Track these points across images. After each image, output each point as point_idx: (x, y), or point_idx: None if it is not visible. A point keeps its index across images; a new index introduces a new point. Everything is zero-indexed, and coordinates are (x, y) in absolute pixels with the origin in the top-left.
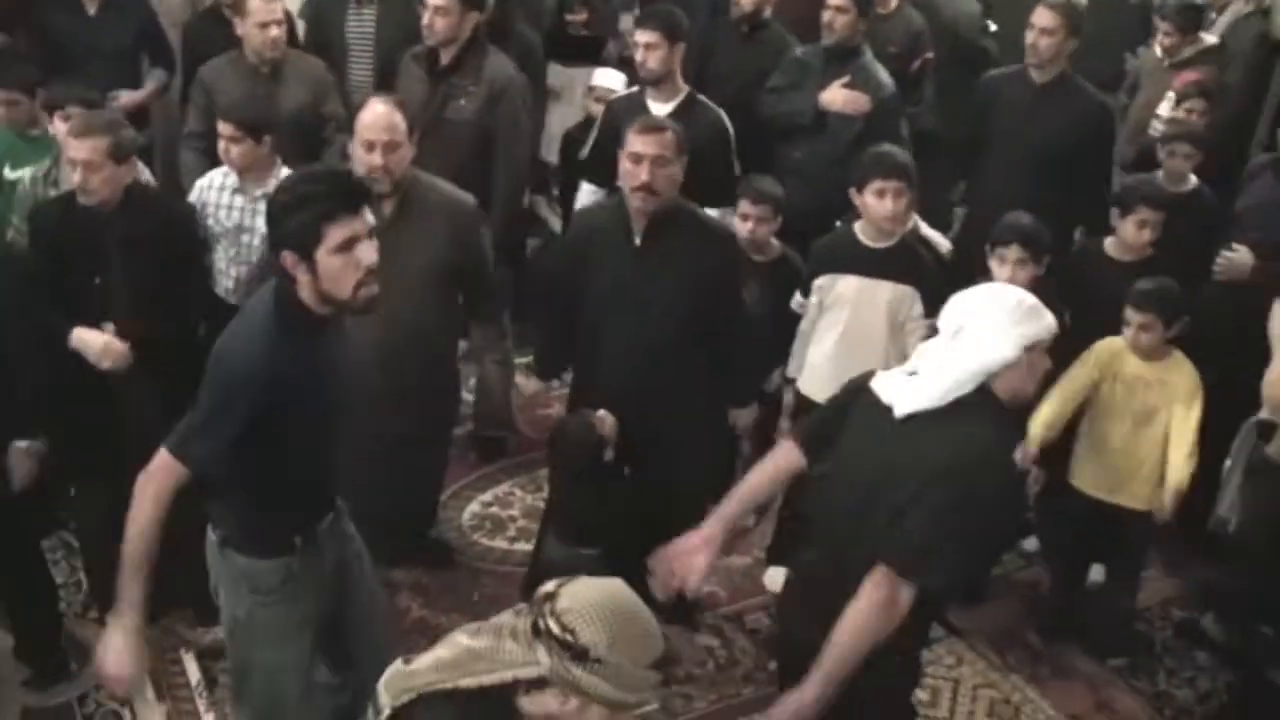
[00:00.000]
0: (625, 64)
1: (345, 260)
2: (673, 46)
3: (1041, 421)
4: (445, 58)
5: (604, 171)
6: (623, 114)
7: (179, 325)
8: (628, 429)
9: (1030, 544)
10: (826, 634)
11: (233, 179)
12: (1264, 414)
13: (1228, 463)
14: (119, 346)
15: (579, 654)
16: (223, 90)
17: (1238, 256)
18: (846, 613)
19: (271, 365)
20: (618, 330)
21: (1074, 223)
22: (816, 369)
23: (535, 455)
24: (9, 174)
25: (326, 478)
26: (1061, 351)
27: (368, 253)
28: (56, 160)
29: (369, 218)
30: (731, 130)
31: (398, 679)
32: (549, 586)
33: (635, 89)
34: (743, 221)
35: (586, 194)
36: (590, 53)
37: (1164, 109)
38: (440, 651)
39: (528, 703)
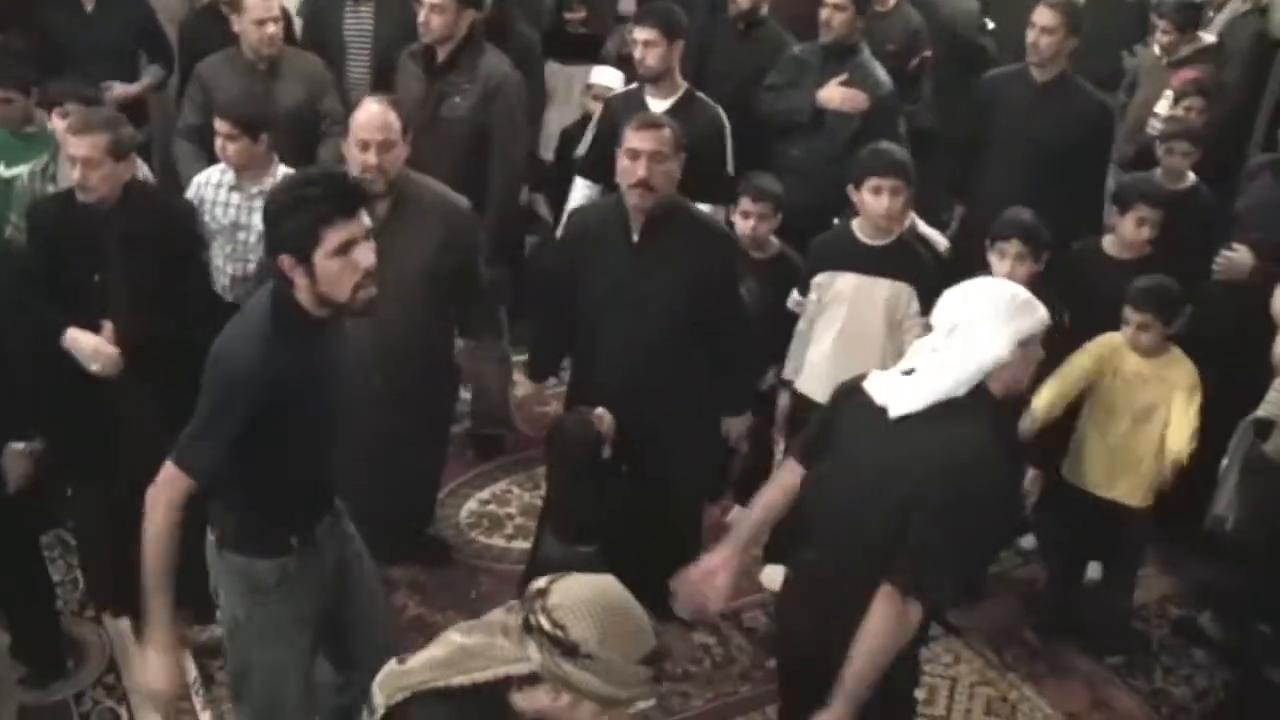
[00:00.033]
0: (624, 62)
1: (343, 263)
2: (671, 44)
3: (1042, 404)
4: (441, 55)
5: (601, 168)
6: (621, 111)
7: (178, 323)
8: (625, 426)
9: (1028, 542)
10: (826, 633)
11: (230, 176)
12: (1261, 412)
13: (1225, 461)
14: (109, 350)
15: (569, 650)
16: (220, 87)
17: (1237, 256)
18: (861, 632)
19: (268, 368)
20: (615, 328)
21: (1071, 221)
22: (815, 367)
23: (533, 453)
24: (4, 172)
25: (325, 478)
26: (1061, 351)
27: (365, 255)
28: (54, 155)
29: (366, 220)
30: (729, 127)
31: (392, 679)
32: (540, 583)
33: (634, 86)
34: (743, 219)
35: (580, 190)
36: (588, 51)
37: (1162, 107)
38: (433, 650)
39: (520, 699)
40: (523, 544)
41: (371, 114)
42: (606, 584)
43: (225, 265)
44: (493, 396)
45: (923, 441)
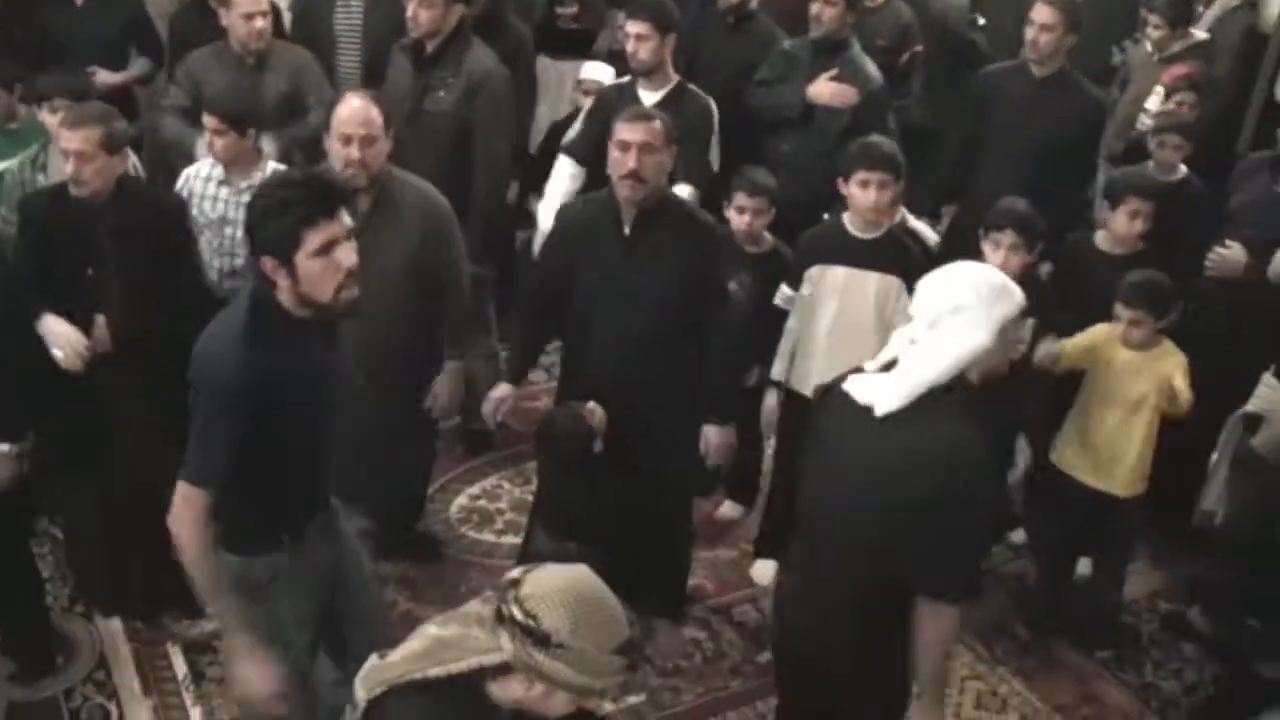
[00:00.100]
0: (615, 57)
1: (325, 264)
2: (664, 37)
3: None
4: (429, 49)
5: (590, 156)
6: (614, 102)
7: (170, 318)
8: (616, 420)
9: (1018, 537)
10: (823, 631)
11: (219, 170)
12: (1250, 407)
13: (1214, 456)
14: (78, 345)
15: (541, 639)
16: (208, 81)
17: (1230, 253)
18: (919, 646)
19: (248, 369)
20: (606, 321)
21: (1058, 215)
22: (807, 361)
23: (523, 448)
24: None
25: (316, 476)
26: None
27: (347, 255)
28: (45, 146)
29: (347, 220)
30: (717, 117)
31: (373, 673)
32: (514, 573)
33: (626, 78)
34: (738, 214)
35: (563, 168)
36: (580, 46)
37: (1152, 103)
38: (412, 643)
39: (495, 688)
40: (513, 539)
41: (354, 109)
42: (579, 574)
43: (213, 259)
44: (481, 392)
45: (911, 440)
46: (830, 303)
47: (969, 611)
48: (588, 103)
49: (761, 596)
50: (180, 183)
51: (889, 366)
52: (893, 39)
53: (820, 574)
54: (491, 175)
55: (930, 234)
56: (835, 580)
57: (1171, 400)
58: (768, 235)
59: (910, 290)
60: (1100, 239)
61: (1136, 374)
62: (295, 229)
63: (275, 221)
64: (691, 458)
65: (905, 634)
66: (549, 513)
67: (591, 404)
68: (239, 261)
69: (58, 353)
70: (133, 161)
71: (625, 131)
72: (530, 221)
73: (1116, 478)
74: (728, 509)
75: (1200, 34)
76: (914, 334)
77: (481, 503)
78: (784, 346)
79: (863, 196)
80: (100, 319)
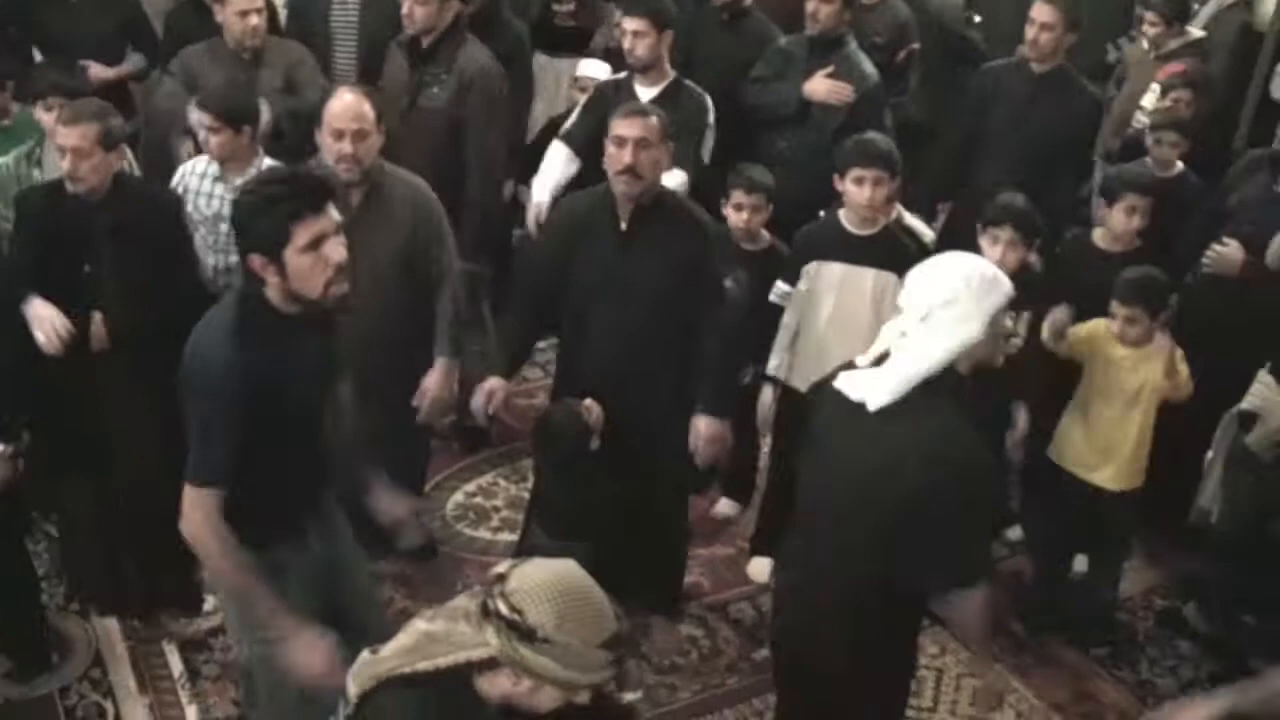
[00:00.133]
0: (612, 55)
1: (314, 259)
2: (660, 34)
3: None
4: (424, 45)
5: (585, 146)
6: (611, 97)
7: (166, 315)
8: (612, 415)
9: (1014, 534)
10: (822, 628)
11: (214, 167)
12: (1245, 404)
13: (1210, 454)
14: (60, 330)
15: (526, 634)
16: (202, 77)
17: (1228, 251)
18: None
19: (238, 365)
20: (603, 316)
21: (1054, 212)
22: (804, 357)
23: (519, 445)
24: None
25: (315, 474)
26: (1058, 362)
27: (336, 250)
28: (40, 142)
29: (335, 215)
30: (712, 112)
31: (364, 668)
32: (501, 568)
33: (623, 74)
34: (736, 211)
35: (557, 154)
36: (577, 44)
37: (1148, 100)
38: (401, 638)
39: (483, 683)
40: (509, 536)
41: (346, 103)
42: (566, 569)
43: (207, 256)
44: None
45: (904, 434)
46: (827, 299)
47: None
48: (584, 97)
49: (758, 594)
50: (176, 179)
51: (880, 360)
52: (890, 36)
53: (816, 571)
54: (485, 172)
55: (926, 231)
56: (831, 577)
57: (1175, 385)
58: (765, 233)
59: None
60: (1097, 236)
61: (1133, 369)
62: (283, 225)
63: (263, 218)
64: (687, 454)
65: (903, 631)
66: (545, 510)
67: (589, 401)
68: (234, 258)
69: (39, 335)
70: (129, 158)
71: (622, 127)
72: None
73: (1113, 471)
74: (724, 506)
75: (1196, 31)
76: (904, 326)
77: (477, 500)
78: (780, 342)
79: (858, 193)
80: (97, 316)
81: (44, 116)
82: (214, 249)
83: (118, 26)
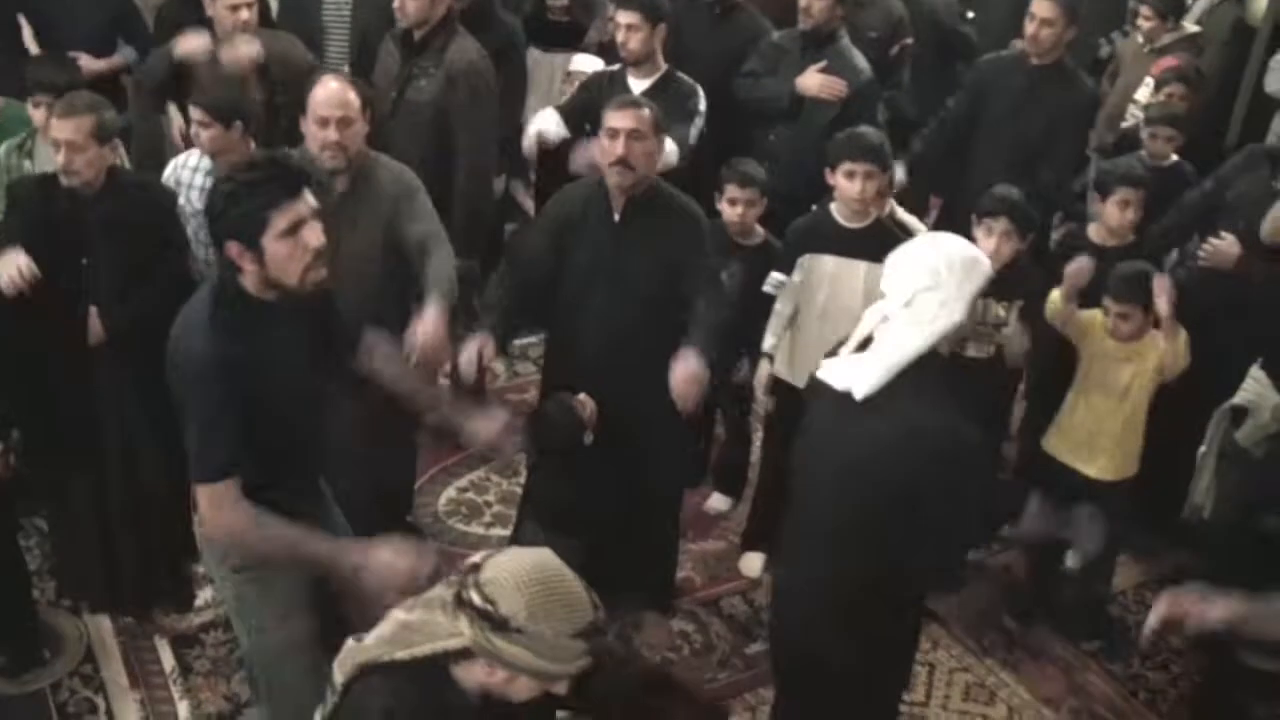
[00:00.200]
0: (605, 50)
1: (292, 244)
2: (654, 28)
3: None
4: (416, 38)
5: (570, 119)
6: (605, 87)
7: (161, 309)
8: (604, 409)
9: (1006, 528)
10: (818, 623)
11: (206, 161)
12: (1238, 399)
13: (1202, 449)
14: (24, 266)
15: (499, 624)
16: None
17: (1224, 245)
18: None
19: (219, 352)
20: (595, 307)
21: (1048, 204)
22: (797, 350)
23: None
24: None
25: (303, 460)
26: (1054, 354)
27: (314, 235)
28: (32, 133)
29: (311, 200)
30: (704, 104)
31: (348, 656)
32: (476, 558)
33: (616, 66)
34: (730, 206)
35: (548, 115)
36: (570, 39)
37: (1142, 95)
38: (382, 627)
39: (459, 672)
40: (501, 531)
41: (331, 91)
42: (541, 558)
43: (198, 249)
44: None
45: (892, 423)
46: (819, 292)
47: (955, 603)
48: (577, 83)
49: (750, 589)
50: (168, 172)
51: (864, 345)
52: (884, 31)
53: (811, 565)
54: (472, 167)
55: (919, 226)
56: (825, 570)
57: (1172, 364)
58: (759, 228)
59: None
60: (1093, 231)
61: (1127, 361)
62: (261, 210)
63: (240, 205)
64: (679, 448)
65: (900, 624)
66: (538, 505)
67: (583, 395)
68: None
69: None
70: (122, 155)
71: (614, 119)
72: (518, 213)
73: (1105, 461)
74: (716, 501)
75: (1191, 26)
76: (887, 310)
77: (470, 495)
78: (773, 324)
79: (849, 187)
80: (93, 310)
81: (34, 113)
82: (205, 242)
83: (109, 19)
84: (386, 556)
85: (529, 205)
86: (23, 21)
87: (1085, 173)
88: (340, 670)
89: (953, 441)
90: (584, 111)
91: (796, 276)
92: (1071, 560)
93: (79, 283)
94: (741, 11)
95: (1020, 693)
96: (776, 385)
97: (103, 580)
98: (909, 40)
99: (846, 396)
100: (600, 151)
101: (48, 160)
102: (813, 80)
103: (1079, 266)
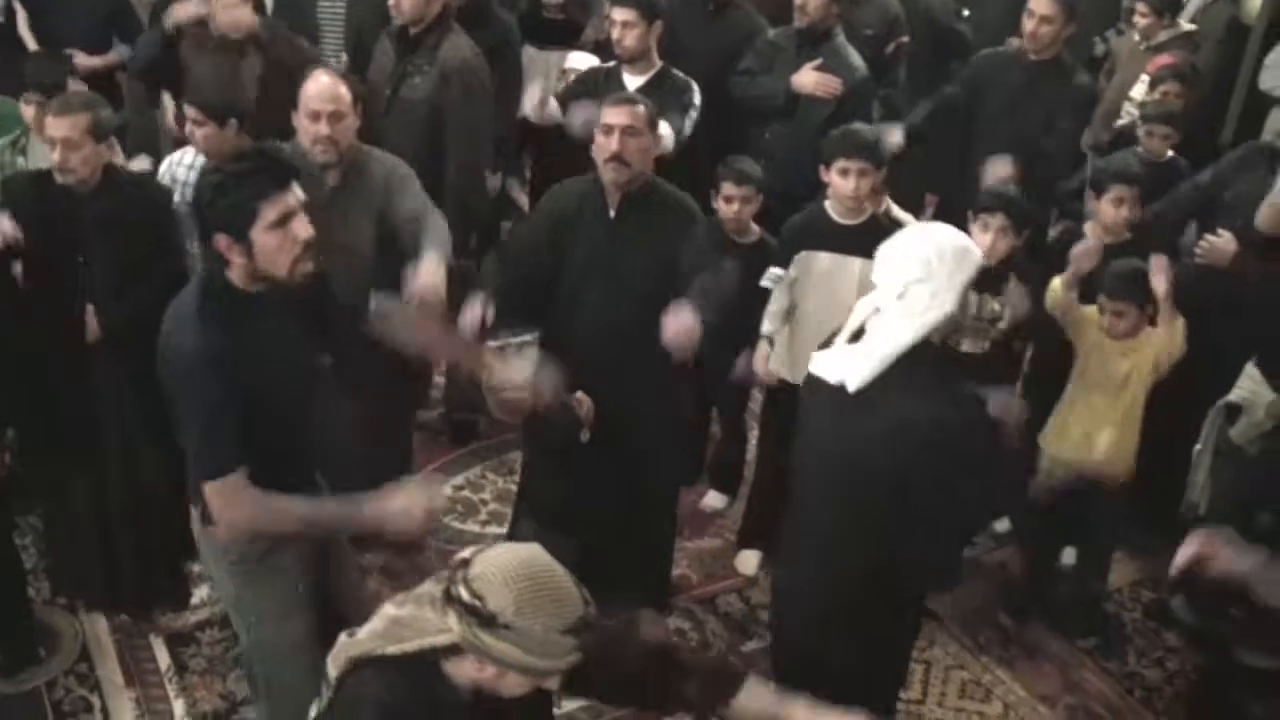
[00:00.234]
0: (602, 49)
1: (281, 236)
2: (649, 25)
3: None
4: (411, 35)
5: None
6: (600, 83)
7: (156, 307)
8: (600, 406)
9: (1002, 525)
10: (818, 620)
11: (201, 159)
12: (1232, 397)
13: (1198, 446)
14: (6, 228)
15: (487, 620)
16: (189, 67)
17: (1221, 242)
18: None
19: (209, 344)
20: (591, 304)
21: (1044, 201)
22: (794, 347)
23: (508, 438)
24: None
25: (298, 454)
26: (1052, 349)
27: (303, 227)
28: (26, 130)
29: (299, 193)
30: (699, 100)
31: (341, 650)
32: (465, 553)
33: (612, 63)
34: (726, 204)
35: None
36: (566, 37)
37: (1138, 92)
38: (374, 622)
39: (450, 667)
40: (497, 529)
41: (322, 85)
42: (530, 554)
43: (192, 246)
44: (465, 381)
45: (887, 415)
46: (815, 289)
47: (951, 600)
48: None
49: (746, 587)
50: (163, 169)
51: (856, 336)
52: (880, 29)
53: (811, 566)
54: (463, 164)
55: (913, 222)
56: (825, 572)
57: (1169, 352)
58: (755, 226)
59: None
60: (1089, 229)
61: (1123, 357)
62: (250, 202)
63: (228, 197)
64: (675, 446)
65: (899, 625)
66: (534, 503)
67: (579, 393)
68: None
69: None
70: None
71: (609, 115)
72: (513, 211)
73: (1101, 455)
74: (712, 499)
75: (1187, 24)
76: (879, 302)
77: (465, 493)
78: (771, 311)
79: (843, 184)
80: (90, 308)
81: (27, 110)
82: (196, 240)
83: (104, 17)
84: (401, 503)
85: (524, 202)
86: (22, 21)
87: (1082, 171)
88: (334, 664)
89: (943, 431)
90: (577, 98)
91: (792, 271)
92: (1068, 557)
93: (75, 281)
94: (737, 9)
95: (1016, 690)
96: (777, 386)
97: (102, 580)
98: (904, 38)
99: (841, 390)
100: (596, 147)
101: (42, 157)
102: (808, 78)
103: (1086, 248)
